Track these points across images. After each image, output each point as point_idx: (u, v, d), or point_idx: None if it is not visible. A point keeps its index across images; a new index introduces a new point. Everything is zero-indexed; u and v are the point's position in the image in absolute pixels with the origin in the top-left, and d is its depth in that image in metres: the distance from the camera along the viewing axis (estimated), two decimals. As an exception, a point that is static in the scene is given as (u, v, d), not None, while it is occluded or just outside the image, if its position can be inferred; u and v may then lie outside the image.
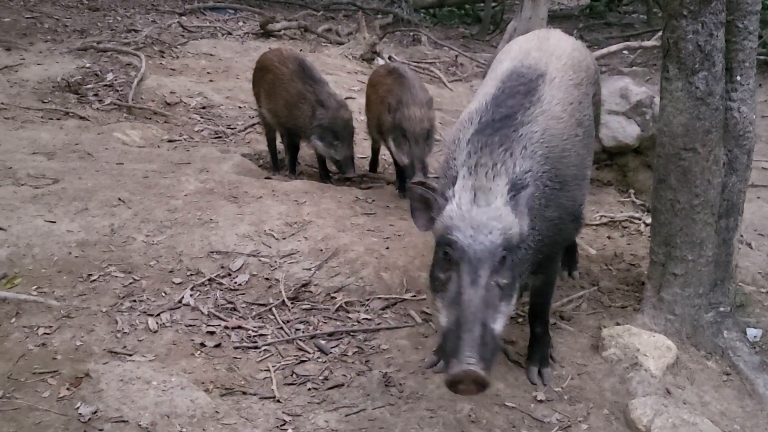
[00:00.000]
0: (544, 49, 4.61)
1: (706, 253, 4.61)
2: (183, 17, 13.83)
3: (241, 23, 14.15)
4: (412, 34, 15.36)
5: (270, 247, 5.45)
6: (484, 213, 3.53)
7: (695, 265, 4.63)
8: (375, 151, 7.55)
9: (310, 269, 5.26)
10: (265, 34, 12.91)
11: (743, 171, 4.62)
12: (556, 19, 17.86)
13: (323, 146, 6.86)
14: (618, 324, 4.78)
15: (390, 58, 12.56)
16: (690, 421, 3.94)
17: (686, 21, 4.31)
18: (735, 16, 4.42)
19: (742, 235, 5.90)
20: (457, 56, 13.47)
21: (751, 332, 4.86)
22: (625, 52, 14.01)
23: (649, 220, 5.78)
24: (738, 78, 4.53)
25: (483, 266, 3.43)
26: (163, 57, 10.84)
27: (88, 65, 9.73)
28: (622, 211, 6.84)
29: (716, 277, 4.71)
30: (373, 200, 6.36)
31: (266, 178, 6.91)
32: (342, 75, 10.84)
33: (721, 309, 4.68)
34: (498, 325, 3.39)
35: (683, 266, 4.64)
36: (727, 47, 4.45)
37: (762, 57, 13.82)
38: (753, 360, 4.60)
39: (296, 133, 7.07)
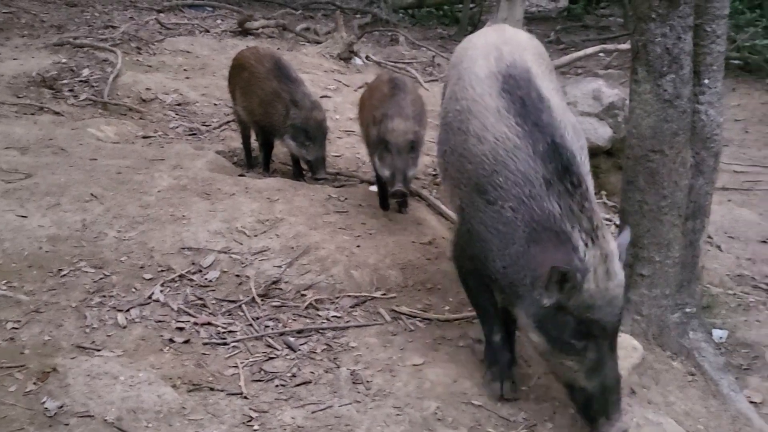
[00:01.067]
0: (509, 42, 4.62)
1: (673, 255, 4.66)
2: (161, 14, 13.78)
3: (219, 21, 14.13)
4: (390, 34, 15.38)
5: (241, 244, 5.46)
6: (617, 286, 3.63)
7: (662, 267, 4.67)
8: None
9: (280, 267, 5.28)
10: (243, 32, 12.89)
11: (710, 173, 4.67)
12: (533, 20, 17.95)
13: (296, 146, 6.86)
14: (585, 324, 4.80)
15: (367, 57, 12.57)
16: (654, 420, 4.00)
17: (655, 24, 4.36)
18: (703, 20, 4.47)
19: (711, 237, 5.97)
20: (434, 57, 13.50)
21: (717, 333, 4.92)
22: (601, 54, 14.07)
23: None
24: (706, 81, 4.58)
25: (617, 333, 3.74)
26: (139, 53, 10.80)
27: (64, 61, 9.69)
28: (594, 213, 6.88)
29: (683, 278, 4.75)
30: (346, 198, 6.38)
31: (239, 175, 6.91)
32: (319, 74, 10.85)
33: (688, 310, 4.73)
34: None
35: (650, 267, 4.68)
36: (695, 51, 4.50)
37: (736, 61, 13.97)
38: (718, 361, 4.65)
39: (270, 132, 7.08)
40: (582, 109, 7.32)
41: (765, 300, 5.48)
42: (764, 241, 6.58)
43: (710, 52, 4.55)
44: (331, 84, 10.35)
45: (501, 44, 4.53)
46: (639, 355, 4.50)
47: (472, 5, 17.63)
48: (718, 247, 6.10)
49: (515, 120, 3.97)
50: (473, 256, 4.12)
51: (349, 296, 5.13)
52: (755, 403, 4.49)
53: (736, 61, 14.03)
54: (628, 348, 4.49)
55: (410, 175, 5.98)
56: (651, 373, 4.51)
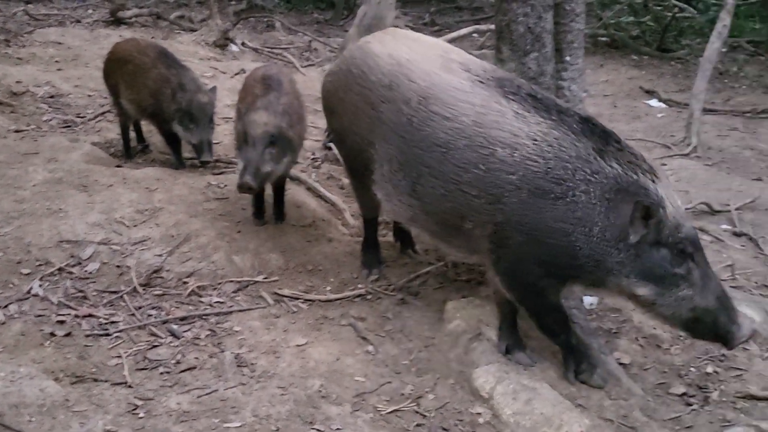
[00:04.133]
0: (437, 46, 4.77)
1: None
2: (29, 5, 13.48)
3: (90, 11, 13.87)
4: (266, 20, 15.30)
5: (121, 235, 5.44)
6: (683, 202, 4.11)
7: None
8: None
9: (161, 255, 5.29)
10: (116, 21, 12.68)
11: (574, 147, 4.84)
12: (408, 3, 18.05)
13: (182, 130, 6.81)
14: (463, 297, 4.96)
15: (243, 44, 12.50)
16: (530, 386, 4.15)
17: (517, 4, 4.51)
18: (563, -1, 4.65)
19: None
20: (311, 41, 13.51)
21: (588, 299, 5.09)
22: (475, 35, 14.29)
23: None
24: (567, 58, 4.76)
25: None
26: (8, 46, 10.54)
27: (-73, 55, 9.42)
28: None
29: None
30: (226, 185, 6.38)
31: (117, 166, 6.83)
32: (195, 62, 10.73)
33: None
34: None
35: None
36: (556, 29, 4.67)
37: (603, 38, 14.39)
38: (588, 326, 4.83)
39: (163, 120, 6.97)
40: (455, 88, 7.47)
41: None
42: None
43: (570, 30, 4.73)
44: (207, 72, 10.27)
45: (440, 52, 4.61)
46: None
47: (347, -11, 17.69)
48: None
49: (541, 115, 4.14)
50: (545, 264, 4.14)
51: (231, 281, 5.18)
52: (624, 364, 4.68)
53: (604, 38, 14.45)
54: (504, 318, 4.65)
55: (265, 171, 5.49)
56: (525, 340, 4.66)
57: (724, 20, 8.91)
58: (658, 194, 3.95)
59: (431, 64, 4.47)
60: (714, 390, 4.49)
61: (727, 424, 4.12)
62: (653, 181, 3.98)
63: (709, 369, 4.69)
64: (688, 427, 4.13)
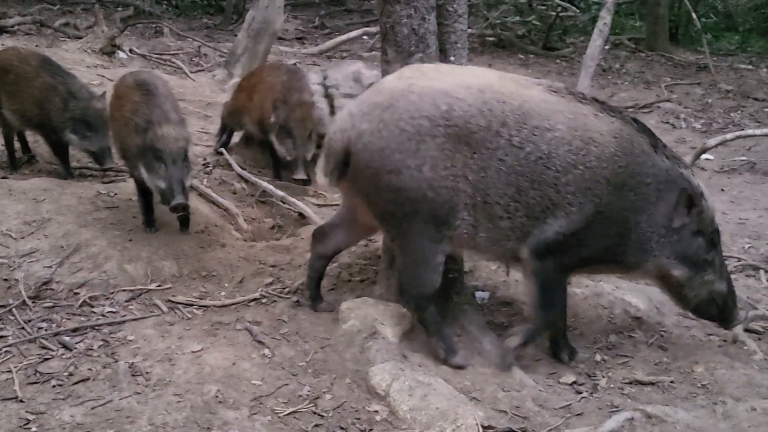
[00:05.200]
0: (474, 71, 4.73)
1: (433, 225, 4.88)
2: None
3: (-31, 20, 13.51)
4: (154, 26, 15.15)
5: (8, 248, 5.32)
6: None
7: (425, 236, 4.88)
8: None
9: (51, 267, 5.19)
10: (-3, 30, 12.41)
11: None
12: (297, 7, 18.11)
13: (78, 139, 6.70)
14: (357, 297, 5.00)
15: (131, 51, 12.36)
16: (425, 381, 4.20)
17: (400, 6, 4.57)
18: (445, 0, 4.72)
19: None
20: (200, 47, 13.43)
21: (480, 295, 5.21)
22: (365, 37, 14.45)
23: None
24: (452, 58, 4.84)
25: None
26: None
27: None
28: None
29: (445, 245, 5.00)
30: (116, 194, 6.31)
31: (2, 177, 6.70)
32: (81, 69, 10.55)
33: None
34: None
35: (414, 238, 4.89)
36: (439, 30, 4.74)
37: (491, 38, 14.64)
38: (480, 321, 4.94)
39: (51, 130, 6.83)
40: (344, 91, 7.54)
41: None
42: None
43: (454, 31, 4.82)
44: (95, 79, 10.10)
45: (495, 73, 4.66)
46: (408, 322, 4.72)
47: (235, -7, 17.61)
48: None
49: (610, 115, 4.52)
50: (600, 252, 4.57)
51: (123, 290, 5.13)
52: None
53: (491, 38, 14.71)
54: (398, 315, 4.72)
55: (188, 185, 5.60)
56: (421, 337, 4.72)
57: (605, 18, 9.13)
58: (699, 187, 4.55)
59: (506, 84, 4.49)
60: (602, 377, 4.65)
61: (615, 409, 4.25)
62: (693, 174, 4.60)
63: (598, 357, 4.85)
64: (578, 414, 4.25)
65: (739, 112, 12.30)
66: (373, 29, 13.61)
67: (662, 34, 15.51)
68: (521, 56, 14.06)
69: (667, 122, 11.46)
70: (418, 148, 4.26)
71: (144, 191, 5.86)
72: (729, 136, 9.14)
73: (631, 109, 10.68)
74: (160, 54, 12.72)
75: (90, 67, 10.92)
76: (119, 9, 16.16)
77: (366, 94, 4.61)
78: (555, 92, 4.50)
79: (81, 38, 12.48)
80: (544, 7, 14.87)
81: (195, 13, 17.94)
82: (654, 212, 4.48)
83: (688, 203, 4.47)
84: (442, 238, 4.43)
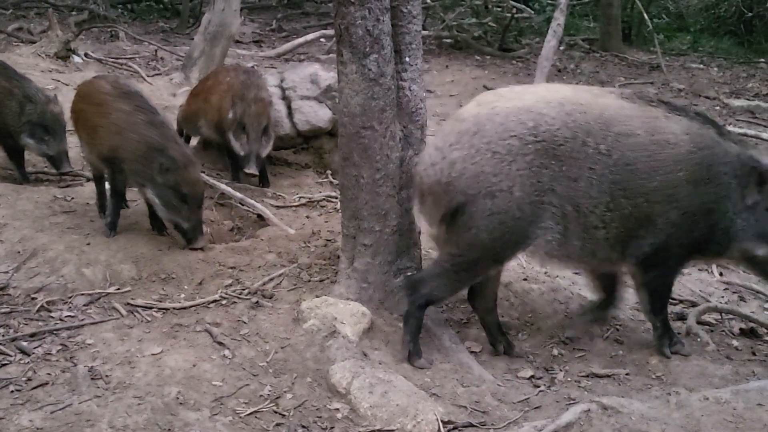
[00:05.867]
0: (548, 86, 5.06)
1: (391, 223, 4.94)
2: None
3: None
4: (109, 30, 15.01)
5: (-37, 254, 5.30)
6: None
7: (382, 235, 4.94)
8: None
9: (7, 272, 5.17)
10: (-51, 36, 12.27)
11: (418, 144, 4.97)
12: (254, 10, 18.06)
13: (35, 143, 6.67)
14: (317, 296, 5.03)
15: (86, 55, 12.25)
16: (385, 379, 4.24)
17: (354, 7, 4.59)
18: (399, 1, 4.77)
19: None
20: (156, 50, 13.34)
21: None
22: (322, 40, 14.46)
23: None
24: (407, 59, 4.88)
25: None
26: None
27: None
28: (320, 192, 7.17)
29: (402, 245, 5.05)
30: (73, 198, 6.29)
31: (-43, 185, 6.64)
32: (36, 74, 10.44)
33: (409, 274, 5.01)
34: None
35: (372, 237, 4.94)
36: (394, 31, 4.78)
37: (447, 40, 14.73)
38: (439, 318, 4.99)
39: (8, 134, 6.77)
40: (301, 93, 7.56)
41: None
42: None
43: (408, 32, 4.86)
44: (50, 84, 10.02)
45: (563, 85, 4.96)
46: (368, 320, 4.76)
47: (191, -3, 17.54)
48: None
49: (677, 114, 4.63)
50: (688, 246, 4.70)
51: (82, 294, 5.11)
52: (475, 352, 4.88)
53: (448, 40, 14.79)
54: (358, 314, 4.76)
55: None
56: (381, 335, 4.78)
57: (558, 19, 9.26)
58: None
59: (582, 95, 4.61)
60: (560, 371, 4.74)
61: (572, 401, 4.32)
62: (760, 153, 4.76)
63: (555, 351, 4.93)
64: (536, 408, 4.31)
65: (691, 110, 12.46)
66: (330, 32, 13.56)
67: (615, 34, 15.68)
68: (477, 57, 14.15)
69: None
70: (510, 169, 4.31)
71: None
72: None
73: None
74: (116, 58, 12.60)
75: (45, 72, 10.82)
76: (74, 13, 16.00)
77: (446, 126, 4.68)
78: (627, 98, 4.60)
79: (35, 43, 12.33)
80: (499, 9, 14.99)
81: (151, 16, 17.80)
82: (733, 197, 4.60)
83: (759, 180, 4.58)
84: (503, 258, 4.56)
